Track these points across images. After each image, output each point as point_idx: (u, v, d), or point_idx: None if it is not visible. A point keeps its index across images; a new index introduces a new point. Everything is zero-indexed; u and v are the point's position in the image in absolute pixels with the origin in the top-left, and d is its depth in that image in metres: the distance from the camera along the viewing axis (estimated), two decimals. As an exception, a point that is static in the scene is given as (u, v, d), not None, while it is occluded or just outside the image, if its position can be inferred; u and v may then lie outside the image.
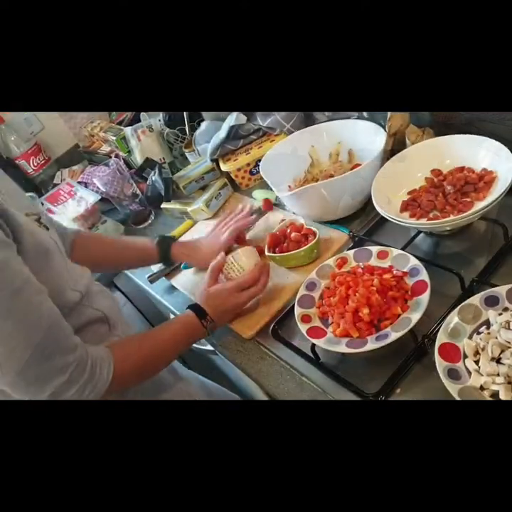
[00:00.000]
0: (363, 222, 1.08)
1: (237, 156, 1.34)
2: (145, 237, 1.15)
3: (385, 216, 0.90)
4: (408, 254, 0.85)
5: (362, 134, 1.10)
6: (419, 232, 0.93)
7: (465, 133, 0.94)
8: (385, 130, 1.04)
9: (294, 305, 0.95)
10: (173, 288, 1.19)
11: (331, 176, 1.14)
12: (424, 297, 0.77)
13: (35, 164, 1.74)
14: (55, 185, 1.67)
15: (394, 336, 0.74)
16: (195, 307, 0.91)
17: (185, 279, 1.18)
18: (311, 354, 0.85)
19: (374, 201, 0.93)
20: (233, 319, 0.97)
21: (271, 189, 1.29)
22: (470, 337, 0.70)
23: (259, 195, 1.30)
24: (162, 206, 1.44)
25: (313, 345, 0.83)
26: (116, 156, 1.57)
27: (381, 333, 0.77)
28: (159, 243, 1.09)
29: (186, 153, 1.50)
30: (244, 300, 0.94)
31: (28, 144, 1.74)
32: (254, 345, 0.95)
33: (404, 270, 0.83)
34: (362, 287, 0.80)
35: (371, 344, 0.75)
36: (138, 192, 1.45)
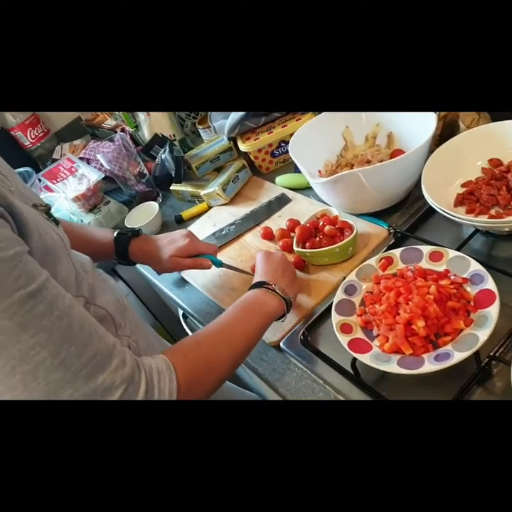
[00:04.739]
0: (404, 216, 0.95)
1: (258, 135, 1.20)
2: (106, 229, 0.98)
3: (440, 211, 0.78)
4: (468, 258, 0.72)
5: (406, 115, 0.97)
6: (476, 230, 0.81)
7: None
8: (435, 112, 0.91)
9: (326, 308, 0.83)
10: (183, 281, 1.07)
11: (368, 161, 1.01)
12: (492, 310, 0.65)
13: (33, 136, 1.59)
14: (55, 160, 1.53)
15: (458, 356, 0.62)
16: (251, 286, 0.79)
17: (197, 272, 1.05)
18: (349, 369, 0.73)
19: (425, 193, 0.80)
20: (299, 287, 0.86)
21: (295, 174, 1.17)
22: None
23: (282, 181, 1.17)
24: (171, 188, 1.31)
25: (354, 359, 0.72)
26: (123, 130, 1.43)
27: (441, 352, 0.65)
28: (117, 239, 0.92)
29: (200, 130, 1.36)
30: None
31: (25, 114, 1.59)
32: (279, 353, 0.83)
33: (464, 276, 0.71)
34: (416, 295, 0.68)
35: (430, 365, 0.63)
36: (145, 171, 1.32)
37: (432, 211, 0.92)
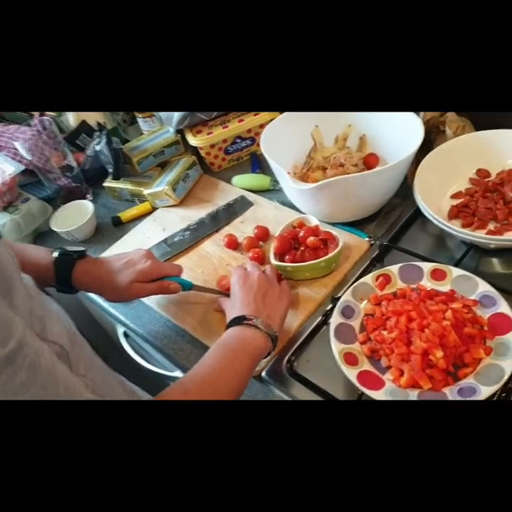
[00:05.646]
0: (382, 226, 0.88)
1: (210, 129, 1.07)
2: (42, 248, 0.79)
3: (444, 227, 0.72)
4: (475, 277, 0.67)
5: (382, 118, 0.90)
6: (472, 246, 0.76)
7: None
8: (419, 116, 0.85)
9: (312, 330, 0.74)
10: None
11: (341, 165, 0.94)
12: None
13: None
14: (-50, 145, 1.26)
15: (485, 391, 0.56)
16: (230, 322, 0.69)
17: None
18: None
19: (422, 204, 0.74)
20: (284, 308, 0.73)
21: (254, 174, 1.06)
22: None
23: (240, 182, 1.05)
24: (106, 184, 1.13)
25: (361, 394, 0.63)
26: (42, 114, 1.21)
27: (463, 386, 0.58)
28: (58, 261, 0.74)
29: (139, 120, 1.19)
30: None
31: None
32: (262, 385, 0.72)
33: (473, 298, 0.66)
34: (433, 321, 0.61)
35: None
36: (73, 164, 1.12)
37: (410, 221, 0.87)
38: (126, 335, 1.03)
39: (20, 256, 0.72)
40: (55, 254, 0.74)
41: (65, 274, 0.73)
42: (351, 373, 0.61)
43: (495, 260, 0.77)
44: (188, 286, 0.78)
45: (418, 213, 0.85)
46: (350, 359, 0.64)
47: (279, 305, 0.71)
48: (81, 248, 0.76)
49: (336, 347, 0.64)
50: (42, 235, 1.11)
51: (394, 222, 0.88)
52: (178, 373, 0.90)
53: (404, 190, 0.87)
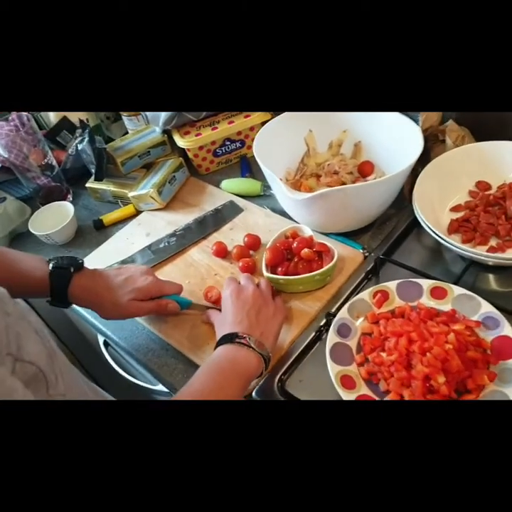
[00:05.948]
0: (377, 238, 0.85)
1: (199, 130, 1.03)
2: (36, 257, 0.73)
3: (443, 241, 0.69)
4: (477, 297, 0.64)
5: (379, 125, 0.87)
6: (471, 262, 0.73)
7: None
8: (418, 124, 0.82)
9: (305, 347, 0.71)
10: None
11: (336, 172, 0.90)
12: (517, 362, 0.57)
13: None
14: None
15: (490, 420, 0.53)
16: (221, 339, 0.65)
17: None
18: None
19: (422, 218, 0.71)
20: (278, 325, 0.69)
21: (244, 179, 1.02)
22: None
23: (229, 187, 1.01)
24: (88, 185, 1.07)
25: (358, 419, 0.59)
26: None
27: (467, 414, 0.55)
28: (54, 274, 0.69)
29: (124, 118, 1.13)
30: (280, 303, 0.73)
31: None
32: (252, 405, 0.68)
33: (475, 319, 0.63)
34: (435, 344, 0.58)
35: (459, 432, 0.53)
36: (54, 162, 1.06)
37: (406, 233, 0.85)
38: (106, 344, 0.98)
39: (13, 266, 0.68)
40: (50, 265, 0.69)
41: (60, 290, 0.68)
42: (348, 396, 0.58)
43: (492, 277, 0.75)
44: (186, 305, 0.74)
45: (413, 225, 0.83)
46: (348, 382, 0.60)
47: (273, 323, 0.67)
48: (77, 257, 0.72)
49: (333, 369, 0.61)
50: (19, 237, 1.05)
51: (389, 234, 0.85)
52: (161, 386, 0.85)
53: (400, 200, 0.84)
